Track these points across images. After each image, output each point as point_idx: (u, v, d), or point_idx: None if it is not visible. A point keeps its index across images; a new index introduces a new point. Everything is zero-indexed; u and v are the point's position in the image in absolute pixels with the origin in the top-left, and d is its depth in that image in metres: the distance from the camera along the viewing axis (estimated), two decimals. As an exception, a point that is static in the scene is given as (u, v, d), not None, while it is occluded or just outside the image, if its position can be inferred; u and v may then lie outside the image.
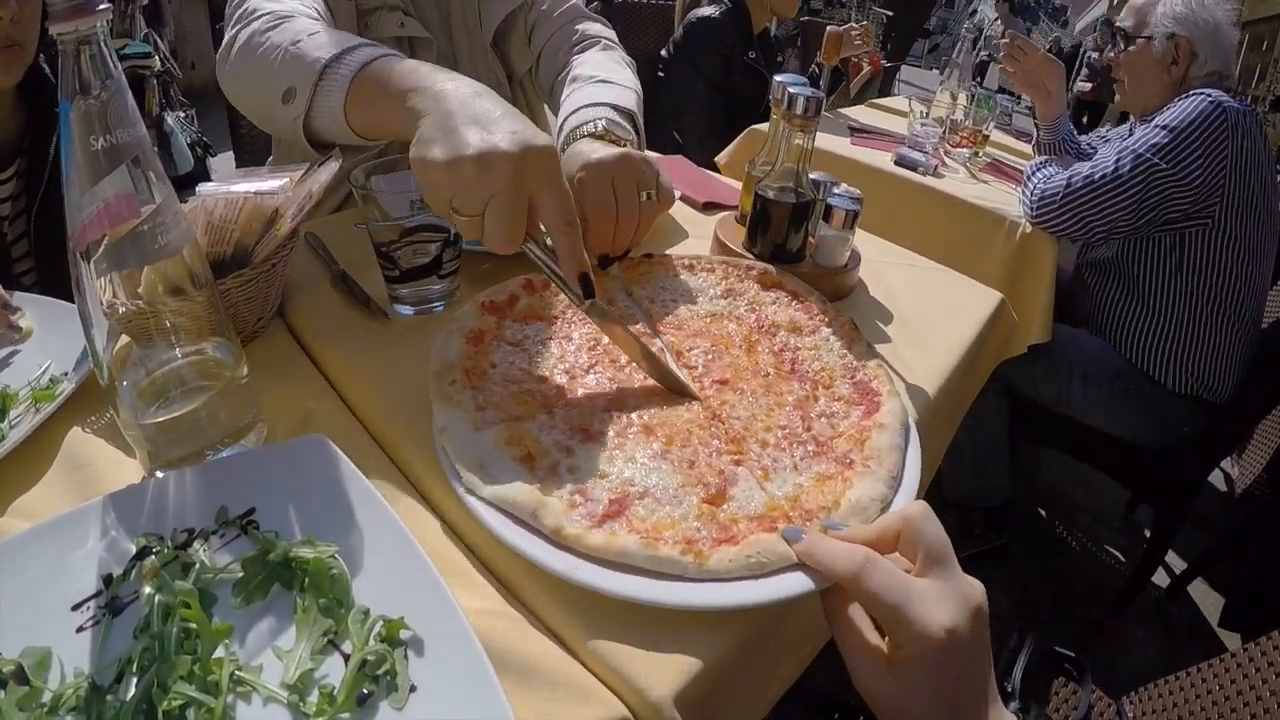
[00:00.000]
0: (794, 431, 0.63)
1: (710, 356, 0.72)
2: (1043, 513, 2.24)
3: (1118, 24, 1.71)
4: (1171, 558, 2.02)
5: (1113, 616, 1.85)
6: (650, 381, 0.67)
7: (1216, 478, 2.30)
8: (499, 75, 1.21)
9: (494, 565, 0.54)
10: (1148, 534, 2.06)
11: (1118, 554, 2.12)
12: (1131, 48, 1.65)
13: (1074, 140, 1.85)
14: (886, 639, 0.42)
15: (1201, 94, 1.45)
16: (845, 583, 0.42)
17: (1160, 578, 1.95)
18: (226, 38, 0.83)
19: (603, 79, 1.06)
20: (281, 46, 0.75)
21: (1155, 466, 1.68)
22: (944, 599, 0.39)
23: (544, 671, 0.46)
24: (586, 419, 0.61)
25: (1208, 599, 1.96)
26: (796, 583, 0.49)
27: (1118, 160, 1.46)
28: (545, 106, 1.29)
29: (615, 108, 0.97)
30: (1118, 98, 1.80)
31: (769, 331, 0.76)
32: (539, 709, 0.44)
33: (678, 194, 1.10)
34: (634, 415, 0.63)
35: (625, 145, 0.87)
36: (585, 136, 0.90)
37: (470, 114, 0.59)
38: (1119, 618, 1.85)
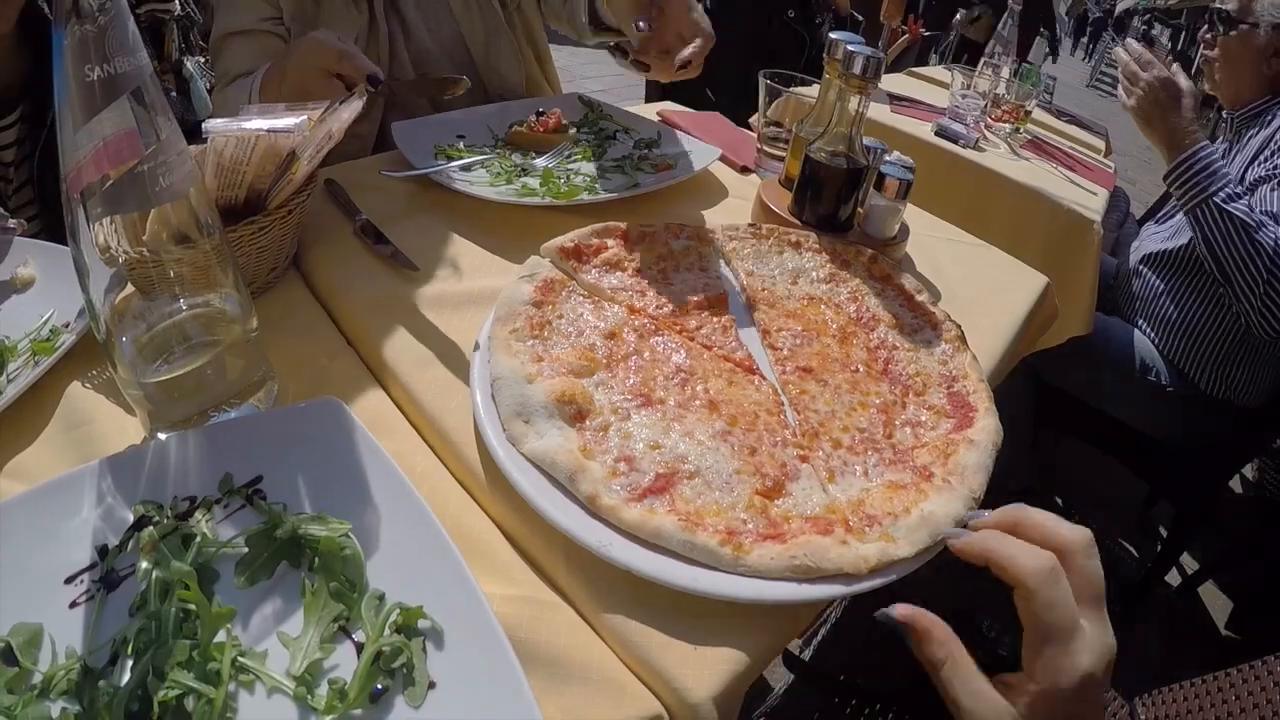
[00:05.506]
0: (872, 437, 0.58)
1: (799, 341, 0.67)
2: (1059, 501, 2.20)
3: (1218, 5, 1.60)
4: (1183, 557, 1.98)
5: (1123, 611, 1.82)
6: (723, 356, 0.64)
7: (1234, 481, 2.25)
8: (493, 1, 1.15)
9: (522, 543, 0.50)
10: (1163, 531, 2.03)
11: (1131, 549, 2.09)
12: (1233, 33, 1.54)
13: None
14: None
15: None
16: (1025, 580, 0.38)
17: (1171, 576, 1.91)
18: (216, 97, 1.04)
19: None
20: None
21: (1178, 465, 1.63)
22: (1093, 644, 0.37)
23: (574, 666, 0.43)
24: (649, 384, 0.58)
25: (1216, 601, 1.93)
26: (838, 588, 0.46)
27: None
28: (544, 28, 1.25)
29: None
30: (1205, 84, 1.69)
31: (868, 325, 0.71)
32: (569, 707, 0.41)
33: (719, 152, 1.04)
34: (700, 388, 0.59)
35: None
36: None
37: None
38: (1129, 613, 1.82)
